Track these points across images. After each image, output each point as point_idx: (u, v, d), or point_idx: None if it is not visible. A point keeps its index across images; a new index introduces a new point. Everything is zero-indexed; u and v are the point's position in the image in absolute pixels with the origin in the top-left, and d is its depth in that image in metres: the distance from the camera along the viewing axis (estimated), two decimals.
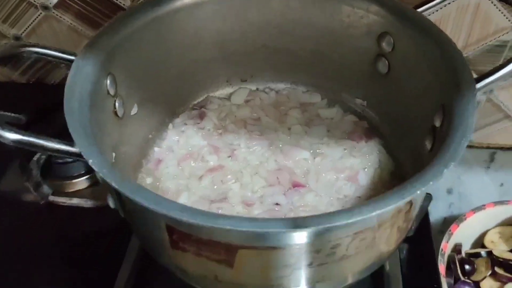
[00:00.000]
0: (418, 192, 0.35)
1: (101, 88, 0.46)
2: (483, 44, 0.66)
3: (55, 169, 0.64)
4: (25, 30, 0.75)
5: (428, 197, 0.54)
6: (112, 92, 0.47)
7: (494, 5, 0.62)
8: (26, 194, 0.63)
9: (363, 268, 0.43)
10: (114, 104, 0.48)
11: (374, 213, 0.34)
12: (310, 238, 0.36)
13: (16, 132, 0.37)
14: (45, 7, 0.71)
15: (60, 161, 0.64)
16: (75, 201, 0.63)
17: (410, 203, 0.40)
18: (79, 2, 0.69)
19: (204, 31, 0.56)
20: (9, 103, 0.72)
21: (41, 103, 0.72)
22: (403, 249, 0.58)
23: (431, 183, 0.36)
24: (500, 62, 0.66)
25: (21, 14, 0.72)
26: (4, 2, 0.71)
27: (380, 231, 0.39)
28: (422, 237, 0.59)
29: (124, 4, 0.69)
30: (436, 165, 0.36)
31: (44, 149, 0.37)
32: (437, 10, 0.63)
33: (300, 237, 0.36)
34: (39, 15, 0.72)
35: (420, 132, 0.47)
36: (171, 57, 0.55)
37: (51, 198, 0.63)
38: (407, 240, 0.57)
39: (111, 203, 0.43)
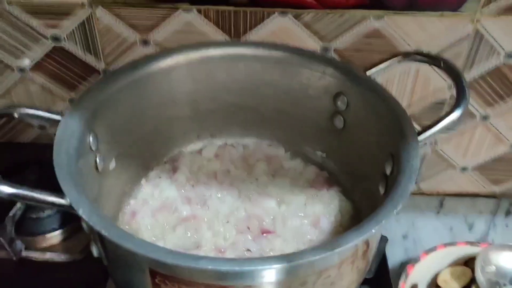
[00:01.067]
0: (373, 230, 0.40)
1: (85, 144, 0.49)
2: (424, 103, 0.74)
3: (28, 224, 0.65)
4: None
5: (384, 239, 0.59)
6: (94, 147, 0.51)
7: (432, 68, 0.70)
8: None
9: None
10: (95, 159, 0.51)
11: (336, 250, 0.38)
12: (281, 275, 0.40)
13: (12, 187, 0.40)
14: (21, 69, 0.75)
15: (33, 216, 0.66)
16: (48, 255, 0.63)
17: (367, 242, 0.45)
18: (54, 64, 0.74)
19: (177, 91, 0.61)
20: None
21: (12, 161, 0.74)
22: None
23: (383, 221, 0.40)
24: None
25: None
26: None
27: (342, 269, 0.43)
28: (382, 279, 0.63)
29: (98, 67, 0.73)
30: (387, 206, 0.41)
31: (37, 201, 0.40)
32: (383, 73, 0.71)
33: (273, 274, 0.40)
34: (15, 76, 0.75)
35: (374, 178, 0.52)
36: (146, 115, 0.59)
37: (24, 253, 0.63)
38: (367, 282, 0.62)
39: (94, 252, 0.45)
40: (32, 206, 0.65)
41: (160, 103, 0.60)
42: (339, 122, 0.59)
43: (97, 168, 0.52)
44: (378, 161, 0.51)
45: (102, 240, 0.43)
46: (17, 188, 0.40)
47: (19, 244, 0.63)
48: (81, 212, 0.39)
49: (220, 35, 0.68)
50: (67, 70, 0.74)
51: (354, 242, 0.39)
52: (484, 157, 0.80)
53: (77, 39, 0.71)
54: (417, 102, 0.74)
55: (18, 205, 0.64)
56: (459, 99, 0.48)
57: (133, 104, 0.57)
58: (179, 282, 0.39)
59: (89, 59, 0.73)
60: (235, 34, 0.68)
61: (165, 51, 0.59)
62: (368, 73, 0.57)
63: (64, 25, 0.69)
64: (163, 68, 0.58)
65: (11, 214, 0.62)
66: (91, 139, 0.50)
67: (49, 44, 0.71)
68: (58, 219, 0.66)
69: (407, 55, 0.56)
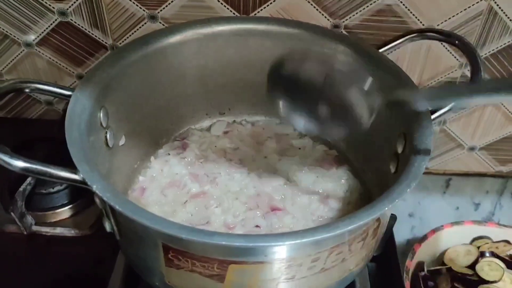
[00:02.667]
0: (386, 209, 0.40)
1: (96, 120, 0.49)
2: (435, 81, 0.73)
3: (38, 200, 0.66)
4: (6, 66, 0.77)
5: (393, 218, 0.59)
6: (104, 124, 0.50)
7: (444, 46, 0.69)
8: (8, 225, 0.64)
9: (338, 281, 0.47)
10: (106, 135, 0.51)
11: (349, 227, 0.39)
12: (294, 251, 0.40)
13: (24, 161, 0.40)
14: (28, 44, 0.74)
15: (43, 191, 0.66)
16: (58, 230, 0.64)
17: (379, 220, 0.45)
18: (60, 39, 0.73)
19: (186, 67, 0.60)
20: None
21: (21, 136, 0.74)
22: (372, 267, 0.63)
23: (396, 201, 0.40)
24: None
25: (3, 51, 0.75)
26: None
27: (353, 246, 0.43)
28: (389, 256, 0.63)
29: (105, 42, 0.73)
30: (401, 185, 0.41)
31: (50, 176, 0.40)
32: (393, 51, 0.71)
33: (285, 251, 0.40)
34: (21, 51, 0.75)
35: (385, 157, 0.52)
36: (156, 92, 0.59)
37: (35, 228, 0.64)
38: (375, 259, 0.62)
39: (107, 227, 0.45)
40: (41, 181, 0.65)
41: (170, 79, 0.59)
42: None
43: (107, 144, 0.52)
44: (389, 140, 0.51)
45: (115, 215, 0.43)
46: (30, 162, 0.40)
47: (29, 218, 0.63)
48: (95, 187, 0.39)
49: (228, 11, 0.67)
50: (74, 45, 0.73)
51: (367, 219, 0.39)
52: (493, 137, 0.80)
53: (84, 14, 0.70)
54: (427, 80, 0.73)
55: (28, 180, 0.64)
56: (474, 77, 0.48)
57: (143, 80, 0.56)
58: (192, 257, 0.40)
59: (97, 34, 0.72)
60: (244, 10, 0.67)
61: (175, 26, 0.59)
62: (381, 50, 0.56)
63: None
64: (173, 44, 0.57)
65: (21, 189, 0.62)
66: (101, 115, 0.50)
67: (55, 19, 0.70)
68: (67, 194, 0.67)
69: (421, 33, 0.55)
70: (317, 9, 0.67)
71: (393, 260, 0.63)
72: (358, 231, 0.43)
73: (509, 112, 0.76)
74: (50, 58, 0.75)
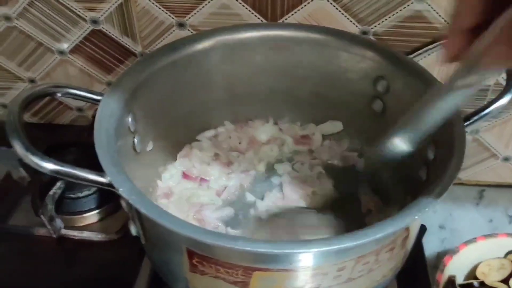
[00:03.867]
0: (415, 217, 0.39)
1: (124, 124, 0.49)
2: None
3: (67, 204, 0.67)
4: (40, 73, 0.79)
5: (423, 229, 0.57)
6: (132, 128, 0.51)
7: None
8: (38, 228, 0.65)
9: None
10: (134, 140, 0.52)
11: (377, 236, 0.38)
12: (319, 259, 0.39)
13: (54, 163, 0.41)
14: (61, 52, 0.76)
15: (72, 196, 0.67)
16: (85, 234, 0.65)
17: (408, 230, 0.44)
18: (92, 46, 0.75)
19: (213, 73, 0.60)
20: None
21: (52, 141, 0.75)
22: (401, 281, 0.61)
23: (426, 209, 0.39)
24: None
25: (38, 58, 0.77)
26: (21, 47, 0.76)
27: (380, 256, 0.42)
28: (418, 269, 0.62)
29: (135, 50, 0.74)
30: (431, 193, 0.40)
31: (78, 178, 0.40)
32: (423, 58, 0.69)
33: (310, 259, 0.39)
34: (54, 59, 0.77)
35: (415, 164, 0.51)
36: (183, 98, 0.59)
37: (63, 231, 0.65)
38: (404, 272, 0.61)
39: (133, 230, 0.46)
40: (70, 186, 0.67)
41: (197, 85, 0.60)
42: (378, 106, 0.58)
43: (135, 149, 0.52)
44: (419, 147, 0.49)
45: (140, 218, 0.43)
46: (59, 165, 0.41)
47: (58, 222, 0.64)
48: (121, 190, 0.39)
49: (256, 18, 0.68)
50: (104, 53, 0.75)
51: (396, 228, 0.38)
52: None
53: (115, 22, 0.71)
54: None
55: (58, 184, 0.65)
56: (509, 83, 0.46)
57: (170, 86, 0.57)
58: (217, 263, 0.39)
59: (127, 42, 0.73)
60: (272, 17, 0.67)
61: (202, 33, 0.59)
62: (411, 56, 0.55)
63: (103, 8, 0.70)
64: (200, 50, 0.57)
65: (51, 193, 0.64)
66: (130, 119, 0.51)
67: (87, 27, 0.72)
68: (95, 199, 0.68)
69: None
70: (345, 16, 0.66)
71: (423, 273, 0.62)
72: (386, 240, 0.42)
73: None
74: (82, 65, 0.77)
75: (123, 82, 0.51)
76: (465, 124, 0.47)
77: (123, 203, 0.43)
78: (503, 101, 0.46)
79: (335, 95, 0.61)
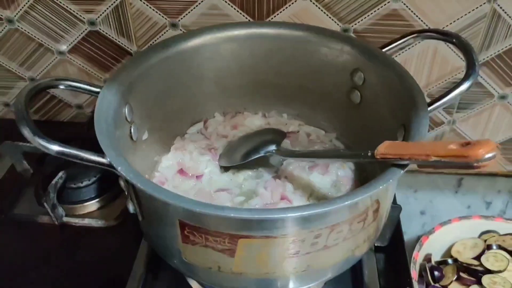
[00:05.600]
0: (380, 187, 0.43)
1: (121, 115, 0.54)
2: (443, 82, 0.76)
3: (68, 194, 0.71)
4: (40, 73, 0.84)
5: (398, 208, 0.62)
6: (129, 118, 0.55)
7: (450, 48, 0.72)
8: (41, 216, 0.70)
9: (341, 260, 0.50)
10: (130, 129, 0.56)
11: (346, 202, 0.42)
12: (296, 226, 0.43)
13: (59, 145, 0.45)
14: (60, 52, 0.80)
15: (73, 186, 0.72)
16: (86, 221, 0.69)
17: (377, 201, 0.48)
18: (90, 47, 0.79)
19: (204, 68, 0.65)
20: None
21: (53, 137, 0.80)
22: (380, 259, 0.65)
23: (390, 181, 0.43)
24: (459, 98, 0.76)
25: (38, 58, 0.82)
26: (22, 49, 0.81)
27: (353, 225, 0.46)
28: (396, 247, 0.66)
29: (130, 49, 0.78)
30: (394, 168, 0.44)
31: (81, 159, 0.45)
32: (401, 53, 0.73)
33: (288, 225, 0.43)
34: (54, 59, 0.81)
35: None
36: (176, 92, 0.64)
37: (65, 219, 0.69)
38: (382, 250, 0.65)
39: (130, 208, 0.50)
40: (71, 177, 0.71)
41: (189, 80, 0.64)
42: (356, 97, 0.62)
43: (132, 137, 0.57)
44: (391, 132, 0.54)
45: (137, 195, 0.48)
46: (64, 146, 0.45)
47: (60, 210, 0.69)
48: (120, 169, 0.44)
49: (244, 18, 0.72)
50: (102, 52, 0.80)
51: (364, 196, 0.42)
52: (503, 137, 0.82)
53: (111, 23, 0.76)
54: (435, 81, 0.76)
55: (60, 174, 0.69)
56: (468, 72, 0.51)
57: (164, 81, 0.61)
58: (206, 233, 0.44)
59: (123, 41, 0.78)
60: (258, 16, 0.72)
61: (193, 31, 0.64)
62: (384, 50, 0.59)
63: (100, 10, 0.74)
64: (191, 47, 0.62)
65: (53, 182, 0.68)
66: (126, 110, 0.55)
67: (85, 28, 0.77)
68: (95, 189, 0.72)
69: (420, 33, 0.59)
70: (327, 15, 0.71)
71: (401, 251, 0.66)
72: (357, 210, 0.46)
73: None
74: (80, 64, 0.81)
75: (119, 76, 0.55)
76: (430, 108, 0.51)
77: (122, 183, 0.48)
78: (463, 87, 0.50)
79: (318, 87, 0.65)
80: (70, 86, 0.52)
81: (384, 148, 0.45)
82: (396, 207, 0.61)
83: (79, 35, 0.78)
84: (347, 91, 0.63)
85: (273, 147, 0.60)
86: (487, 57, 0.73)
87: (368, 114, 0.61)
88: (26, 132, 0.45)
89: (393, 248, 0.65)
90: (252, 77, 0.67)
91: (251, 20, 0.73)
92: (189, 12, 0.73)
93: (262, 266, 0.47)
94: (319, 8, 0.71)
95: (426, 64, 0.75)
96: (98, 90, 0.53)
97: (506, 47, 0.72)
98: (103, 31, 0.77)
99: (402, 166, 0.44)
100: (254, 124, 0.68)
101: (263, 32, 0.64)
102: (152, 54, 0.59)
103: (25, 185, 0.75)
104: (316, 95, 0.66)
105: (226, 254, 0.45)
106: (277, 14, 0.72)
